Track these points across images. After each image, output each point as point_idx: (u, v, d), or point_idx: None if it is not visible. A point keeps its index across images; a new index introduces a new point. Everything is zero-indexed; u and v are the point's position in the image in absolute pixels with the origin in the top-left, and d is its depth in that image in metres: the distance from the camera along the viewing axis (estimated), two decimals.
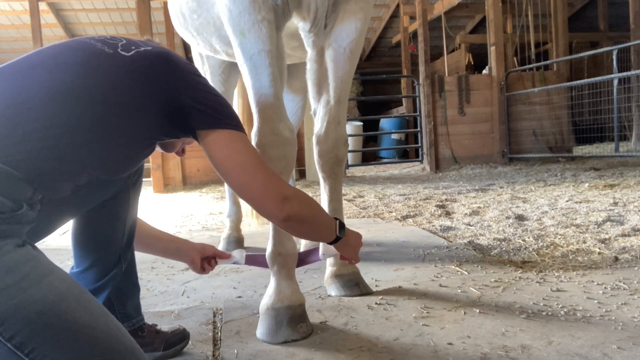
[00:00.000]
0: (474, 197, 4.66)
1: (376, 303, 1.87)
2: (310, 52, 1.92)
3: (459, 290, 1.97)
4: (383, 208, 4.36)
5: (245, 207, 3.16)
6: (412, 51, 11.35)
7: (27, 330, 0.94)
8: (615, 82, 6.42)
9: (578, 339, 1.47)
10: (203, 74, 2.95)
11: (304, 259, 1.71)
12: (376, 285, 2.10)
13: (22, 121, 1.05)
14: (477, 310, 1.73)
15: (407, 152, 11.65)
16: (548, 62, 8.42)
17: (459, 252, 2.60)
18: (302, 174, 7.48)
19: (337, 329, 1.65)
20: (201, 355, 1.53)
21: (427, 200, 4.58)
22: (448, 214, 3.84)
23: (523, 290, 1.93)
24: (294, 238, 1.73)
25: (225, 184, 3.15)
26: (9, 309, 0.93)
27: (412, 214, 3.91)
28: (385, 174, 8.41)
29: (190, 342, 1.57)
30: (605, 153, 7.28)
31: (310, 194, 5.91)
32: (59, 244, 3.18)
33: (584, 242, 2.66)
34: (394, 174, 8.13)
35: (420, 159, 8.62)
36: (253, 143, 1.70)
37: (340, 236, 1.44)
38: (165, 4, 2.84)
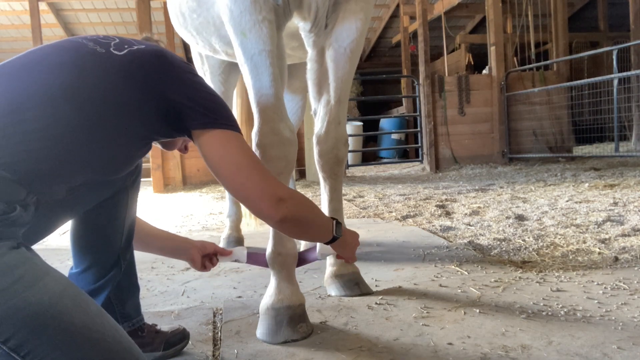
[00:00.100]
0: (474, 197, 4.66)
1: (376, 303, 1.87)
2: (310, 52, 1.92)
3: (459, 290, 1.97)
4: (383, 208, 4.36)
5: (245, 207, 3.16)
6: (412, 51, 11.35)
7: (23, 333, 0.94)
8: (615, 82, 6.42)
9: (578, 339, 1.47)
10: (203, 74, 2.97)
11: (303, 258, 1.71)
12: (376, 285, 2.09)
13: (16, 122, 1.04)
14: (477, 310, 1.73)
15: (407, 152, 11.65)
16: (548, 62, 8.42)
17: (459, 252, 2.60)
18: (302, 174, 7.48)
19: (337, 329, 1.65)
20: (201, 355, 1.52)
21: (427, 200, 4.58)
22: (448, 214, 3.84)
23: (523, 290, 1.93)
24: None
25: None
26: (4, 312, 0.93)
27: (412, 214, 3.91)
28: (385, 174, 8.41)
29: (190, 342, 1.57)
30: (605, 153, 7.28)
31: (310, 194, 5.92)
32: (59, 244, 3.18)
33: (584, 242, 2.66)
34: (394, 174, 8.13)
35: (420, 159, 8.62)
36: (253, 143, 1.70)
37: (337, 236, 1.42)
38: (165, 4, 2.84)
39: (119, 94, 1.16)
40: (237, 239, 3.11)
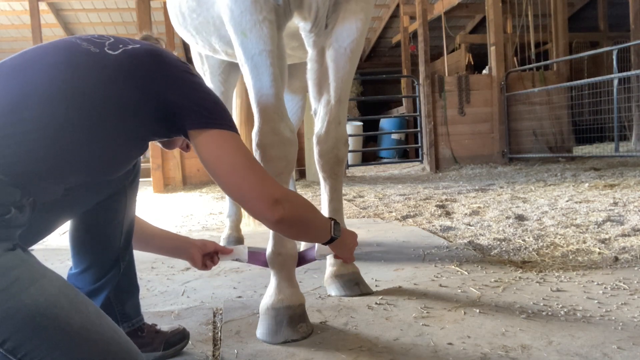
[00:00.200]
0: (474, 197, 4.66)
1: (376, 303, 1.87)
2: (310, 52, 1.92)
3: (459, 290, 1.97)
4: (383, 208, 4.36)
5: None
6: (412, 51, 11.35)
7: (19, 335, 0.94)
8: (615, 82, 6.42)
9: (578, 339, 1.47)
10: (202, 74, 2.97)
11: (303, 258, 1.71)
12: (376, 285, 2.09)
13: (12, 123, 1.04)
14: (477, 310, 1.73)
15: (407, 152, 11.65)
16: (548, 62, 8.42)
17: (459, 252, 2.60)
18: (302, 174, 7.48)
19: (337, 329, 1.65)
20: (201, 355, 1.52)
21: (427, 200, 4.58)
22: (448, 214, 3.84)
23: (523, 290, 1.93)
24: None
25: None
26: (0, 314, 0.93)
27: (412, 214, 3.91)
28: (385, 174, 8.41)
29: (190, 342, 1.57)
30: (605, 153, 7.28)
31: (310, 194, 5.91)
32: (59, 244, 3.18)
33: (584, 242, 2.66)
34: (394, 174, 8.13)
35: (420, 159, 8.62)
36: (254, 143, 1.70)
37: (335, 237, 1.41)
38: (165, 4, 2.84)
39: (113, 94, 1.14)
40: (237, 239, 3.11)
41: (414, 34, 10.43)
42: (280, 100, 1.70)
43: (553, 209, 3.68)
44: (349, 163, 8.62)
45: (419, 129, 8.40)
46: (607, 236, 2.74)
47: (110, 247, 1.42)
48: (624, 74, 6.65)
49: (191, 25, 2.38)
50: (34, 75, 1.11)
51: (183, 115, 1.21)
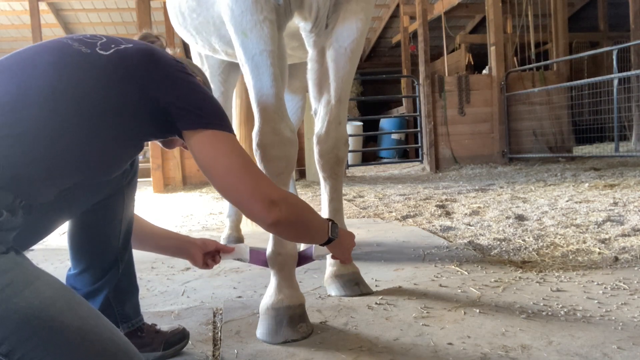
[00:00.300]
0: (474, 197, 4.66)
1: (376, 303, 1.87)
2: (311, 52, 1.92)
3: (459, 290, 1.97)
4: (383, 208, 4.36)
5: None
6: (412, 51, 11.36)
7: (14, 339, 0.93)
8: (615, 82, 6.42)
9: (578, 339, 1.47)
10: None
11: (303, 258, 1.71)
12: (376, 285, 2.09)
13: (6, 124, 1.03)
14: (477, 310, 1.73)
15: (407, 152, 11.65)
16: (548, 62, 8.43)
17: (459, 252, 2.60)
18: (302, 174, 7.48)
19: (337, 329, 1.65)
20: (201, 355, 1.52)
21: (427, 200, 4.58)
22: (448, 214, 3.84)
23: (523, 290, 1.93)
24: None
25: None
26: None
27: (412, 214, 3.91)
28: (385, 174, 8.41)
29: (190, 342, 1.57)
30: (605, 153, 7.28)
31: (310, 194, 5.91)
32: (59, 244, 3.18)
33: (584, 242, 2.66)
34: (394, 174, 8.13)
35: (420, 159, 8.62)
36: (254, 143, 1.70)
37: (332, 238, 1.40)
38: (165, 4, 2.84)
39: (103, 95, 1.13)
40: (237, 239, 3.12)
41: (414, 34, 10.43)
42: (281, 100, 1.70)
43: (553, 209, 3.68)
44: (349, 163, 8.62)
45: (419, 129, 8.40)
46: (607, 236, 2.74)
47: (108, 247, 1.41)
48: (624, 74, 6.65)
49: (191, 25, 2.38)
50: (21, 78, 1.10)
51: (176, 115, 1.19)
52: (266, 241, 1.71)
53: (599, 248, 2.51)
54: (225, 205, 3.28)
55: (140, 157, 9.56)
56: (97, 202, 1.36)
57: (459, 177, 6.80)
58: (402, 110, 11.68)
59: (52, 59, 1.14)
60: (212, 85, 2.94)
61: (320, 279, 2.16)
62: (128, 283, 1.48)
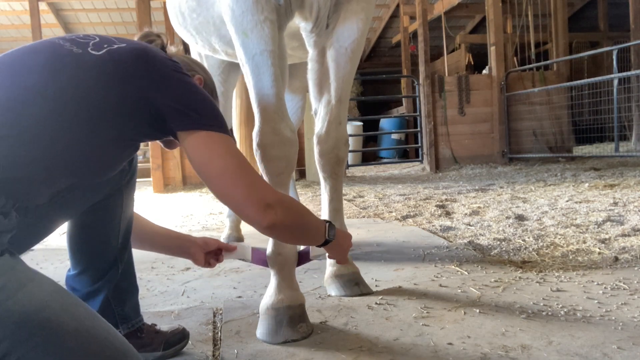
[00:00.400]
0: (474, 197, 4.66)
1: (376, 303, 1.87)
2: (311, 52, 1.92)
3: (459, 290, 1.97)
4: (383, 208, 4.36)
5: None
6: (412, 51, 11.36)
7: (9, 342, 0.93)
8: (615, 82, 6.42)
9: (578, 339, 1.47)
10: None
11: (303, 257, 1.71)
12: (376, 285, 2.09)
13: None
14: (477, 310, 1.73)
15: (407, 152, 11.65)
16: (548, 62, 8.43)
17: (459, 252, 2.60)
18: (302, 174, 7.48)
19: (337, 329, 1.65)
20: (201, 355, 1.52)
21: (427, 200, 4.58)
22: (448, 214, 3.84)
23: (523, 290, 1.93)
24: None
25: None
26: None
27: (412, 214, 3.91)
28: (385, 174, 8.41)
29: (190, 342, 1.57)
30: (605, 153, 7.28)
31: (310, 194, 5.90)
32: (59, 244, 3.18)
33: (584, 242, 2.66)
34: (394, 174, 8.13)
35: (420, 159, 8.62)
36: (254, 143, 1.70)
37: (329, 239, 1.40)
38: (165, 4, 2.84)
39: (94, 96, 1.11)
40: (237, 239, 3.12)
41: (414, 34, 10.43)
42: (281, 100, 1.70)
43: (553, 209, 3.68)
44: (349, 163, 8.63)
45: (419, 129, 8.41)
46: (607, 236, 2.74)
47: (108, 247, 1.41)
48: (624, 74, 6.65)
49: (191, 25, 2.38)
50: (10, 79, 1.08)
51: (170, 116, 1.17)
52: (266, 241, 1.71)
53: (599, 248, 2.51)
54: (225, 206, 3.28)
55: (140, 157, 9.56)
56: (96, 202, 1.35)
57: (459, 177, 6.80)
58: (402, 110, 11.68)
59: (42, 59, 1.12)
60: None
61: (320, 279, 2.16)
62: (128, 283, 1.48)
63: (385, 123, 11.49)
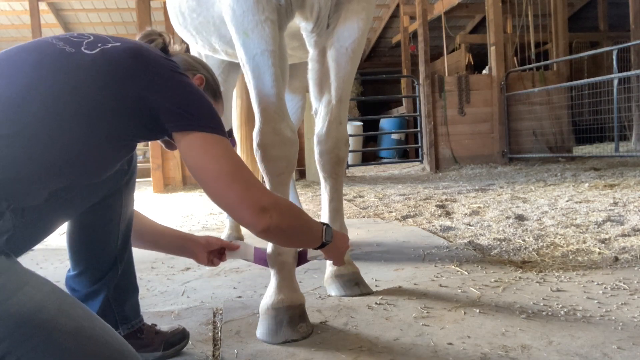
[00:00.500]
0: (474, 197, 4.66)
1: (376, 303, 1.87)
2: (312, 52, 1.92)
3: (459, 290, 1.97)
4: (383, 208, 4.36)
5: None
6: (412, 51, 11.36)
7: (7, 343, 0.93)
8: (615, 82, 6.42)
9: (578, 339, 1.47)
10: None
11: (303, 257, 1.71)
12: (376, 285, 2.09)
13: None
14: (477, 310, 1.73)
15: (407, 152, 11.66)
16: (548, 62, 8.43)
17: (459, 252, 2.60)
18: (302, 174, 7.48)
19: (337, 329, 1.65)
20: (201, 355, 1.52)
21: (427, 200, 4.58)
22: (448, 214, 3.84)
23: (523, 290, 1.93)
24: None
25: None
26: None
27: (412, 214, 3.91)
28: (385, 174, 8.41)
29: (190, 342, 1.57)
30: (605, 153, 7.28)
31: (310, 194, 5.90)
32: (59, 244, 3.18)
33: (584, 242, 2.66)
34: (394, 174, 8.13)
35: (420, 159, 8.62)
36: (254, 143, 1.70)
37: (326, 242, 1.39)
38: (165, 4, 2.84)
39: (86, 95, 1.10)
40: (237, 239, 3.12)
41: (414, 34, 10.44)
42: (282, 100, 1.70)
43: (553, 209, 3.68)
44: (349, 163, 8.63)
45: (419, 129, 8.41)
46: (607, 236, 2.74)
47: (107, 248, 1.40)
48: (624, 74, 6.66)
49: (191, 25, 2.39)
50: (6, 78, 1.08)
51: (164, 117, 1.15)
52: (265, 241, 1.71)
53: (599, 248, 2.51)
54: None
55: (140, 157, 9.52)
56: (96, 203, 1.34)
57: (459, 177, 6.80)
58: (402, 110, 11.68)
59: (34, 59, 1.11)
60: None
61: (320, 279, 2.16)
62: (128, 283, 1.48)
63: (385, 123, 11.50)
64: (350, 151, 9.18)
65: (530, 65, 8.13)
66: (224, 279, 2.36)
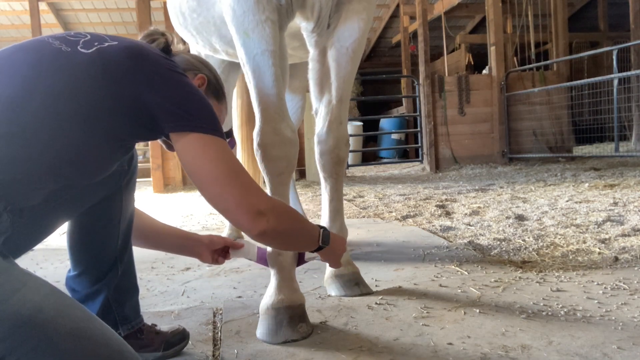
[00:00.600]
0: (474, 197, 4.66)
1: (376, 303, 1.87)
2: (312, 52, 1.92)
3: (459, 290, 1.97)
4: (383, 208, 4.36)
5: None
6: (412, 51, 11.37)
7: (6, 345, 0.93)
8: (615, 82, 6.42)
9: (578, 339, 1.47)
10: None
11: (303, 257, 1.71)
12: (376, 285, 2.09)
13: None
14: (477, 310, 1.73)
15: (407, 152, 11.66)
16: (548, 62, 8.43)
17: (459, 252, 2.60)
18: (302, 174, 7.48)
19: (337, 329, 1.65)
20: (201, 355, 1.52)
21: (427, 200, 4.58)
22: (448, 214, 3.84)
23: (523, 290, 1.93)
24: None
25: None
26: None
27: (412, 214, 3.91)
28: (385, 174, 8.41)
29: (190, 342, 1.57)
30: (605, 153, 7.28)
31: (310, 194, 5.90)
32: (59, 244, 3.18)
33: (584, 242, 2.66)
34: (394, 174, 8.13)
35: (420, 159, 8.62)
36: (255, 143, 1.70)
37: (323, 246, 1.39)
38: (165, 4, 2.84)
39: (84, 95, 1.09)
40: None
41: (414, 34, 10.44)
42: (282, 100, 1.70)
43: (553, 209, 3.68)
44: (349, 163, 8.63)
45: (419, 129, 8.41)
46: (607, 236, 2.74)
47: (107, 249, 1.40)
48: (624, 74, 6.66)
49: (191, 25, 2.39)
50: (5, 77, 1.07)
51: (162, 116, 1.14)
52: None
53: (599, 248, 2.51)
54: None
55: (140, 157, 9.51)
56: (96, 203, 1.34)
57: (459, 177, 6.80)
58: (402, 110, 11.69)
59: (31, 58, 1.11)
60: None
61: (320, 279, 2.16)
62: (128, 284, 1.47)
63: (385, 123, 11.50)
64: (351, 151, 9.18)
65: (530, 65, 8.13)
66: (224, 279, 2.36)
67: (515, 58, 9.38)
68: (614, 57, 6.46)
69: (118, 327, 1.42)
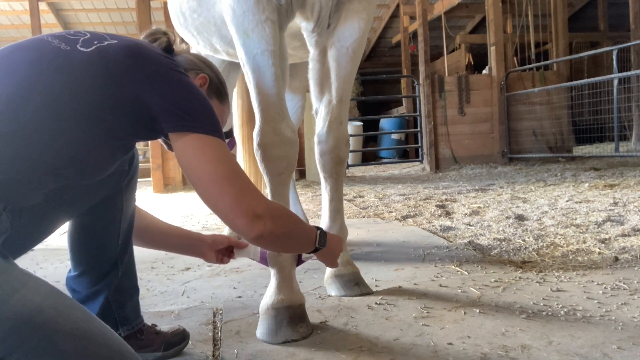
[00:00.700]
0: (474, 197, 4.66)
1: (376, 303, 1.87)
2: (312, 52, 1.92)
3: (459, 290, 1.97)
4: (383, 208, 4.36)
5: None
6: (412, 51, 11.37)
7: (5, 346, 0.93)
8: (615, 82, 6.43)
9: (578, 339, 1.47)
10: None
11: (301, 258, 1.71)
12: (376, 285, 2.09)
13: None
14: (477, 310, 1.73)
15: (407, 152, 11.66)
16: (548, 62, 8.43)
17: (459, 252, 2.60)
18: (302, 174, 7.48)
19: (337, 329, 1.65)
20: (201, 355, 1.52)
21: (427, 200, 4.58)
22: (448, 214, 3.84)
23: (523, 290, 1.93)
24: None
25: None
26: None
27: (412, 214, 3.91)
28: (385, 174, 8.41)
29: (190, 342, 1.57)
30: (605, 153, 7.28)
31: (310, 194, 5.90)
32: (59, 244, 3.18)
33: (584, 242, 2.66)
34: (394, 174, 8.13)
35: (420, 159, 8.63)
36: (255, 143, 1.70)
37: (319, 247, 1.38)
38: (165, 4, 2.85)
39: (84, 95, 1.09)
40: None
41: (414, 34, 10.44)
42: (282, 100, 1.70)
43: (553, 209, 3.68)
44: (349, 163, 8.63)
45: (419, 129, 8.41)
46: (607, 236, 2.74)
47: (108, 249, 1.40)
48: (624, 74, 6.66)
49: (192, 25, 2.39)
50: (5, 76, 1.07)
51: (161, 116, 1.13)
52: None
53: (599, 248, 2.51)
54: None
55: (140, 157, 9.52)
56: (96, 203, 1.34)
57: (459, 177, 6.80)
58: (402, 110, 11.69)
59: (31, 57, 1.10)
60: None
61: (320, 279, 2.16)
62: (128, 284, 1.47)
63: (385, 123, 11.50)
64: (351, 151, 9.19)
65: (530, 65, 8.14)
66: (224, 279, 2.36)
67: (515, 58, 9.38)
68: (614, 57, 6.46)
69: (118, 328, 1.42)
